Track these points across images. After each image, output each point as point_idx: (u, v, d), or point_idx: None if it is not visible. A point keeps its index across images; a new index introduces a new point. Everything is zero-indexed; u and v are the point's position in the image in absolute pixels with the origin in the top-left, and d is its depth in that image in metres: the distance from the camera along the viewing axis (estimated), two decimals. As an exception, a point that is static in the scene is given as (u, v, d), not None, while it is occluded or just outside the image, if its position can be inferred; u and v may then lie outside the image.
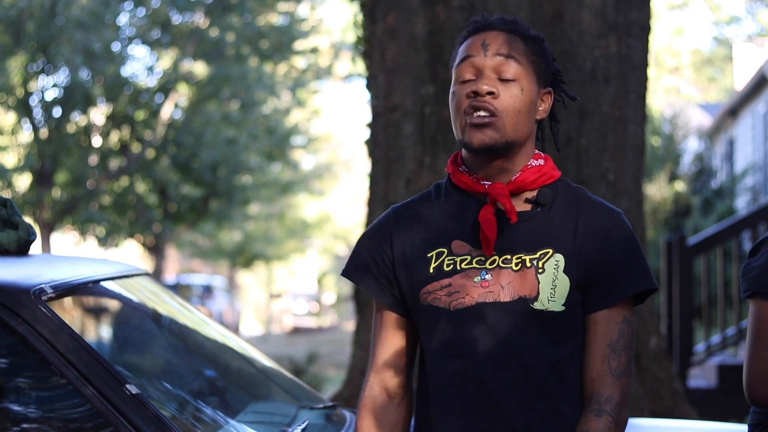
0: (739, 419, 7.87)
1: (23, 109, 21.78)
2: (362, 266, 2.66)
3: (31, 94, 21.89)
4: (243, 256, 38.84)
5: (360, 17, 7.41)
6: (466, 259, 2.54)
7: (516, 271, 2.50)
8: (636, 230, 6.55)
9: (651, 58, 6.76)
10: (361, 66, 7.99)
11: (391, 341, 2.66)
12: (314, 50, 25.86)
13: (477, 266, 2.52)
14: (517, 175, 2.56)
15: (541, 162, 2.61)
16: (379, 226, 2.68)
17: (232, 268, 42.76)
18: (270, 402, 3.86)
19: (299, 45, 25.38)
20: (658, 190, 19.17)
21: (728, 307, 9.79)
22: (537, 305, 2.48)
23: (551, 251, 2.52)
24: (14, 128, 22.55)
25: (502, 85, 2.50)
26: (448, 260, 2.55)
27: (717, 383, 8.98)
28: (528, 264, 2.50)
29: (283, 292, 45.23)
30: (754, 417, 2.89)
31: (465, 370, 2.51)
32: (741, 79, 28.09)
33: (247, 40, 23.90)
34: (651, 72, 6.90)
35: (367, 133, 7.04)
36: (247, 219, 32.97)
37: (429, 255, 2.57)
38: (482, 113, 2.49)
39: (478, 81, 2.51)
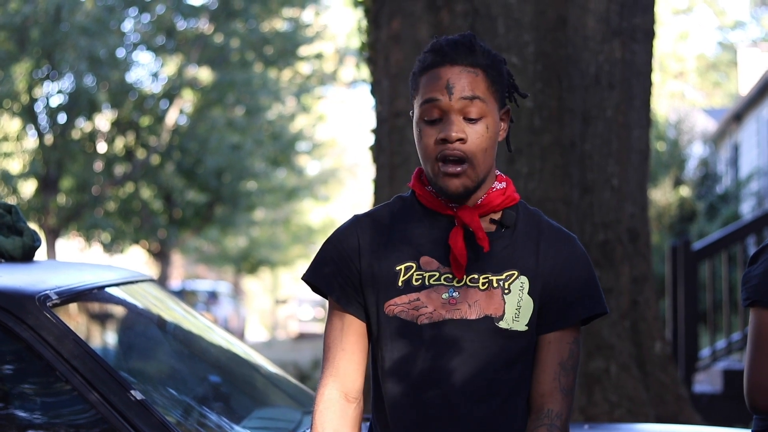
0: (744, 425, 7.84)
1: (28, 115, 21.79)
2: (328, 272, 2.67)
3: (36, 100, 21.91)
4: (248, 262, 38.84)
5: (364, 23, 7.41)
6: (435, 275, 2.59)
7: (483, 290, 2.58)
8: (641, 235, 6.55)
9: (655, 63, 6.76)
10: (365, 72, 7.99)
11: (353, 347, 2.68)
12: (319, 56, 25.88)
13: (445, 283, 2.59)
14: (483, 198, 2.63)
15: (504, 185, 2.67)
16: (345, 233, 2.69)
17: (237, 273, 42.77)
18: (275, 408, 3.86)
19: (304, 51, 25.39)
20: (662, 195, 19.15)
21: (733, 312, 9.78)
22: (502, 324, 2.57)
23: (516, 273, 2.60)
24: (19, 134, 22.56)
25: (469, 126, 2.55)
26: (417, 275, 2.60)
27: (722, 388, 8.96)
28: (495, 284, 2.58)
29: (288, 298, 45.18)
30: (757, 424, 2.90)
31: (427, 383, 2.57)
32: (746, 83, 28.09)
33: (252, 46, 23.92)
34: (655, 77, 6.90)
35: (371, 139, 7.04)
36: (252, 225, 32.95)
37: (398, 268, 2.61)
38: (456, 167, 2.54)
39: (445, 125, 2.55)
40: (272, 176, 28.53)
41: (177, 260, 42.15)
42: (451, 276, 2.58)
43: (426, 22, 6.38)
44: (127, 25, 23.22)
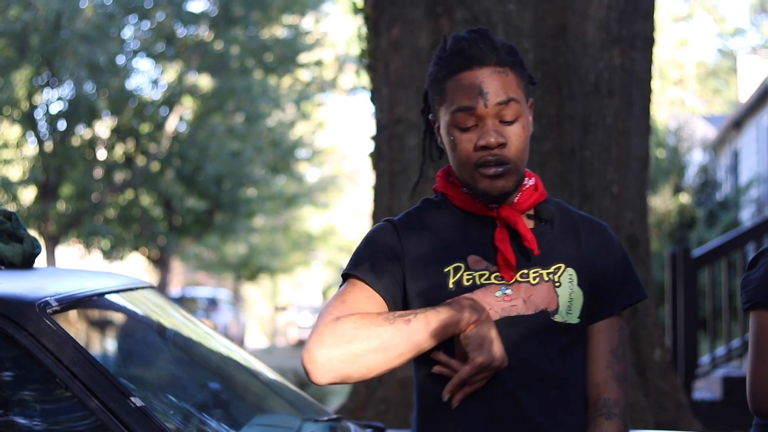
0: (744, 431, 7.86)
1: (28, 122, 21.82)
2: (378, 268, 2.57)
3: (35, 107, 21.94)
4: (248, 269, 38.85)
5: (364, 30, 7.42)
6: (485, 274, 2.55)
7: (534, 284, 2.55)
8: (640, 242, 6.56)
9: (655, 70, 6.77)
10: (365, 79, 8.00)
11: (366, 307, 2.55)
12: (319, 63, 25.93)
13: (496, 282, 2.55)
14: (519, 196, 2.60)
15: (533, 181, 2.65)
16: (383, 236, 2.62)
17: (236, 280, 42.76)
18: (274, 414, 3.86)
19: (304, 58, 25.44)
20: (662, 202, 19.17)
21: (733, 319, 9.79)
22: (557, 318, 2.55)
23: (563, 266, 2.58)
24: (19, 141, 22.59)
25: (506, 129, 2.51)
26: (467, 275, 2.55)
27: (722, 395, 8.96)
28: (546, 278, 2.56)
29: (287, 305, 45.18)
30: (756, 429, 2.90)
31: (492, 383, 2.52)
32: (745, 90, 28.14)
33: (252, 53, 23.96)
34: (655, 84, 6.91)
35: (371, 146, 7.04)
36: (251, 232, 32.97)
37: (446, 270, 2.56)
38: (498, 168, 2.50)
39: (483, 131, 2.50)
40: (272, 183, 28.56)
41: (177, 267, 42.16)
42: (501, 274, 2.55)
43: (426, 30, 6.39)
44: (127, 32, 23.28)
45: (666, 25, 39.06)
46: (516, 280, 2.55)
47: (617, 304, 2.62)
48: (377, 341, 2.42)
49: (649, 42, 6.57)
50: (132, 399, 2.92)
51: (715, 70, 43.86)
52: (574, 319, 2.56)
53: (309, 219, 42.21)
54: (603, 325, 2.61)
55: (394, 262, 2.58)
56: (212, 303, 32.72)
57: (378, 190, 6.78)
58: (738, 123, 22.97)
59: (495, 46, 2.54)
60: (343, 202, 46.32)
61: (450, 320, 2.44)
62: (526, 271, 2.56)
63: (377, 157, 6.83)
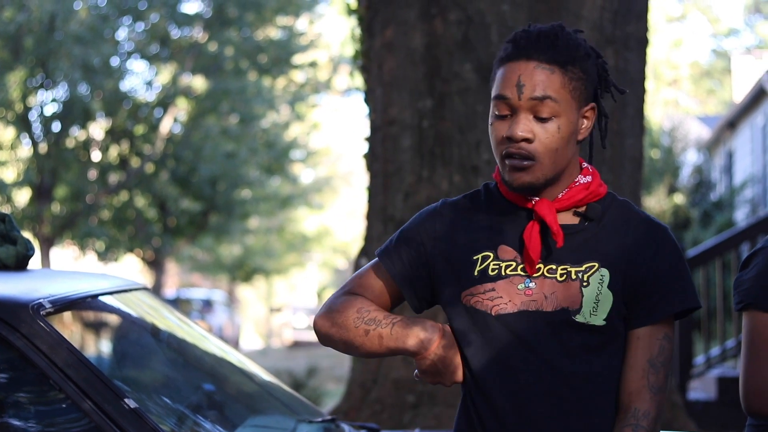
0: (739, 431, 7.87)
1: (22, 123, 21.80)
2: (402, 255, 2.66)
3: (30, 108, 21.92)
4: (243, 270, 38.86)
5: (358, 31, 7.43)
6: (512, 265, 2.54)
7: (560, 282, 2.51)
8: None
9: (649, 70, 6.77)
10: (359, 80, 8.00)
11: (379, 298, 2.69)
12: (313, 64, 25.92)
13: (522, 273, 2.53)
14: (564, 192, 2.57)
15: (589, 179, 2.60)
16: (427, 218, 2.67)
17: (231, 282, 42.77)
18: (269, 416, 3.86)
19: (298, 59, 25.45)
20: (657, 203, 19.19)
21: (728, 320, 9.79)
22: (579, 318, 2.50)
23: (597, 265, 2.52)
24: (13, 143, 22.58)
25: (539, 126, 2.48)
26: (494, 265, 2.55)
27: (716, 395, 8.97)
28: (573, 276, 2.51)
29: (282, 306, 45.20)
30: (750, 429, 2.91)
31: (501, 376, 2.52)
32: (740, 91, 28.16)
33: (246, 55, 23.96)
34: (649, 84, 6.92)
35: (365, 147, 7.05)
36: (246, 233, 32.98)
37: (474, 258, 2.57)
38: (522, 161, 2.49)
39: (513, 123, 2.49)
40: (266, 184, 28.56)
41: (171, 269, 42.14)
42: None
43: (419, 31, 6.39)
44: (121, 34, 23.27)
45: (660, 25, 39.10)
46: (543, 275, 2.52)
47: (661, 311, 2.53)
48: (345, 337, 2.61)
49: (643, 43, 6.57)
50: (126, 401, 2.92)
51: (709, 71, 43.91)
52: (599, 320, 2.49)
53: (304, 220, 42.22)
54: (644, 332, 2.53)
55: (421, 250, 2.64)
56: (207, 304, 32.70)
57: (372, 191, 6.77)
58: (732, 123, 22.99)
59: (556, 44, 2.51)
60: (337, 204, 46.35)
61: (395, 347, 2.55)
62: (554, 266, 2.52)
63: (371, 158, 6.83)
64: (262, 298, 51.91)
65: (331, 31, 31.72)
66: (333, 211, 46.06)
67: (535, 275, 2.52)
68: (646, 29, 6.59)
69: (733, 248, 9.59)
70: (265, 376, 4.17)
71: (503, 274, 2.54)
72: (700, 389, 9.56)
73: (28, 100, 21.74)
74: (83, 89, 21.87)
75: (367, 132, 6.94)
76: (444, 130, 6.26)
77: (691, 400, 9.00)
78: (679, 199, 19.94)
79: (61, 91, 22.18)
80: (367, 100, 6.98)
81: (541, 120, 2.48)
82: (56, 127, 22.35)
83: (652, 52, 9.36)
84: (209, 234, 27.87)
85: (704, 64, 44.23)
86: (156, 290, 25.12)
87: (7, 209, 21.82)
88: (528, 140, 2.48)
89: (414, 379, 5.58)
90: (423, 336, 2.53)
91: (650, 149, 20.97)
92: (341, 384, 15.04)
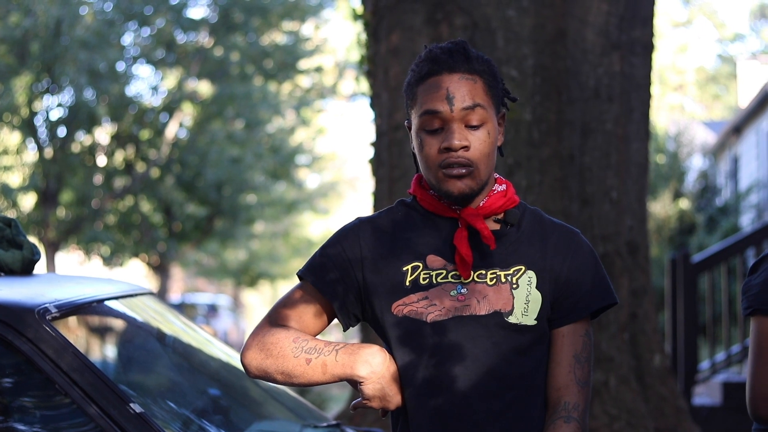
0: (745, 437, 7.86)
1: (28, 128, 21.83)
2: (332, 279, 2.68)
3: (35, 113, 21.95)
4: (248, 275, 38.84)
5: (364, 36, 7.42)
6: (442, 273, 2.61)
7: (491, 285, 2.60)
8: (640, 248, 6.56)
9: (655, 75, 6.77)
10: (365, 85, 8.00)
11: (307, 323, 2.70)
12: (318, 69, 25.93)
13: (453, 280, 2.60)
14: (485, 200, 2.65)
15: (504, 187, 2.70)
16: (348, 239, 2.71)
17: (236, 287, 42.77)
18: (274, 420, 3.86)
19: (303, 64, 25.45)
20: (662, 208, 19.17)
21: (733, 325, 9.78)
22: (511, 319, 2.59)
23: (524, 268, 2.63)
24: (19, 148, 22.60)
25: (471, 134, 2.58)
26: (424, 274, 2.61)
27: (722, 401, 8.95)
28: (503, 279, 2.61)
29: (287, 311, 45.10)
30: (756, 434, 2.90)
31: (440, 381, 2.57)
32: (745, 96, 28.15)
33: (252, 60, 23.97)
34: (655, 90, 6.91)
35: (371, 152, 7.05)
36: (251, 238, 32.98)
37: (404, 269, 2.62)
38: (461, 169, 2.57)
39: (448, 134, 2.57)
40: (272, 189, 28.57)
41: (176, 273, 42.16)
42: (458, 273, 2.60)
43: (425, 36, 6.39)
44: (127, 39, 23.29)
45: (666, 30, 39.10)
46: (473, 280, 2.60)
47: (582, 309, 2.65)
48: (282, 367, 2.61)
49: (649, 48, 6.57)
50: (131, 405, 2.93)
51: (714, 76, 43.89)
52: (530, 320, 2.59)
53: (309, 225, 42.21)
54: (568, 329, 2.65)
55: (347, 266, 2.67)
56: (212, 309, 32.71)
57: (377, 196, 6.78)
58: (738, 128, 22.98)
59: (468, 56, 2.61)
60: (343, 209, 46.31)
61: (342, 374, 2.57)
62: (483, 272, 2.60)
63: (377, 164, 6.84)
64: (267, 303, 51.89)
65: (336, 36, 31.73)
66: (338, 216, 46.03)
67: (465, 281, 2.60)
68: (651, 34, 6.60)
69: (739, 253, 9.58)
70: (270, 380, 4.16)
71: (434, 282, 2.61)
72: (705, 394, 9.55)
73: (34, 104, 21.76)
74: (89, 94, 21.89)
75: (373, 137, 6.94)
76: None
77: (696, 405, 8.98)
78: (684, 204, 19.92)
79: (66, 96, 22.20)
80: (372, 105, 6.98)
81: (473, 128, 2.58)
82: (62, 131, 22.37)
83: (657, 57, 9.37)
84: (214, 239, 27.87)
85: (710, 69, 44.22)
86: (161, 295, 25.13)
87: (13, 214, 21.84)
88: (466, 148, 2.56)
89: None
90: (373, 361, 2.57)
91: (656, 154, 20.95)
92: (346, 389, 15.02)
